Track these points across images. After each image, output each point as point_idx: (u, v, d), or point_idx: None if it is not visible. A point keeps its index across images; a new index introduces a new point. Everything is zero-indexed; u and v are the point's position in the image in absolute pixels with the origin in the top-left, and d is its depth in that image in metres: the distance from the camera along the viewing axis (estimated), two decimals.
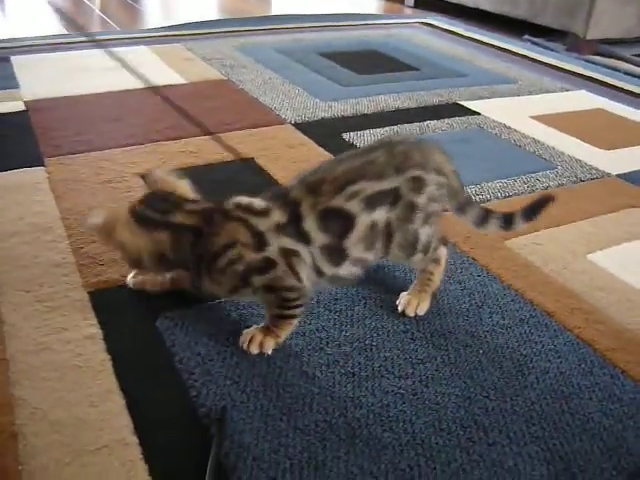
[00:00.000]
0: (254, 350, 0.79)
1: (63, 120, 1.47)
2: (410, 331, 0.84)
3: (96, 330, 0.81)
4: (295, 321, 0.80)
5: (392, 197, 0.78)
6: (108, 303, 0.86)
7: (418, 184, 0.79)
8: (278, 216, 0.75)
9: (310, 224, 0.75)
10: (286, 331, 0.80)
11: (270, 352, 0.79)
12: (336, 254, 0.76)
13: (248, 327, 0.82)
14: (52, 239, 1.01)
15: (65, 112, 1.52)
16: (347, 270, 0.78)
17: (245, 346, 0.79)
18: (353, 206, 0.75)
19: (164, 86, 1.73)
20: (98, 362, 0.76)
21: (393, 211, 0.78)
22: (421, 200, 0.79)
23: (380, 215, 0.77)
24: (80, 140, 1.37)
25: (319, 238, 0.75)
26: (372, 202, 0.76)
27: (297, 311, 0.79)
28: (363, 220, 0.76)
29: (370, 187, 0.76)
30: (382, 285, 0.93)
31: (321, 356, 0.79)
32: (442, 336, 0.84)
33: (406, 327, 0.85)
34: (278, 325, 0.79)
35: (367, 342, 0.81)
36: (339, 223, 0.76)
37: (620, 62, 2.28)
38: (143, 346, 0.79)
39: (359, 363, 0.78)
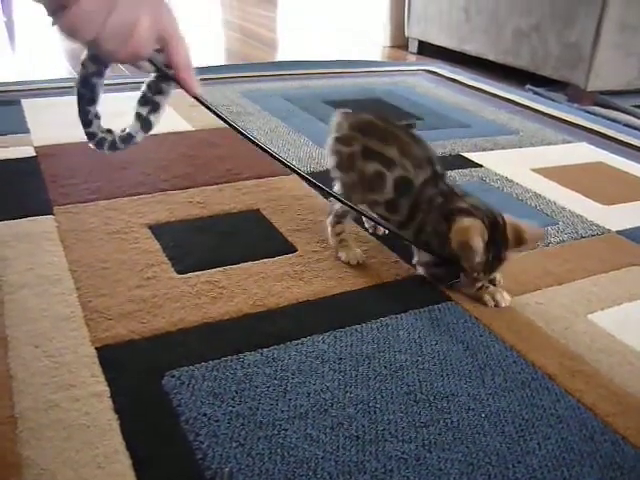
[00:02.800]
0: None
1: (72, 167, 1.50)
2: (413, 393, 0.85)
3: (103, 388, 0.82)
4: None
5: None
6: (115, 359, 0.88)
7: None
8: None
9: None
10: None
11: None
12: None
13: (255, 387, 0.83)
14: (61, 292, 1.02)
15: (74, 159, 1.54)
16: None
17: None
18: None
19: (172, 133, 1.77)
20: (105, 421, 0.77)
21: None
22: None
23: None
24: (89, 188, 1.39)
25: None
26: None
27: None
28: None
29: None
30: (386, 344, 0.94)
31: (325, 418, 0.80)
32: (445, 398, 0.85)
33: (409, 389, 0.86)
34: None
35: (371, 404, 0.82)
36: None
37: (620, 113, 2.32)
38: (149, 405, 0.80)
39: (363, 426, 0.79)
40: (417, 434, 0.78)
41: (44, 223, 1.23)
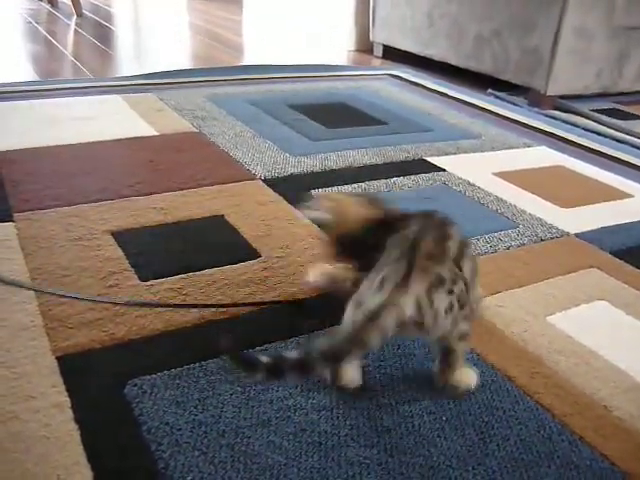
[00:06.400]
0: None
1: (33, 173, 1.48)
2: (376, 397, 0.86)
3: (64, 398, 0.82)
4: None
5: None
6: (76, 369, 0.87)
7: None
8: None
9: None
10: None
11: None
12: None
13: (218, 395, 0.83)
14: (21, 300, 1.01)
15: (36, 164, 1.53)
16: None
17: None
18: None
19: (135, 138, 1.75)
20: (65, 432, 0.76)
21: None
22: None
23: None
24: (50, 194, 1.38)
25: None
26: None
27: None
28: None
29: None
30: None
31: (288, 425, 0.80)
32: (407, 403, 0.86)
33: (372, 394, 0.86)
34: None
35: (334, 410, 0.83)
36: None
37: (578, 117, 2.37)
38: (111, 415, 0.80)
39: (326, 432, 0.80)
40: (379, 439, 0.79)
41: (4, 230, 1.21)
